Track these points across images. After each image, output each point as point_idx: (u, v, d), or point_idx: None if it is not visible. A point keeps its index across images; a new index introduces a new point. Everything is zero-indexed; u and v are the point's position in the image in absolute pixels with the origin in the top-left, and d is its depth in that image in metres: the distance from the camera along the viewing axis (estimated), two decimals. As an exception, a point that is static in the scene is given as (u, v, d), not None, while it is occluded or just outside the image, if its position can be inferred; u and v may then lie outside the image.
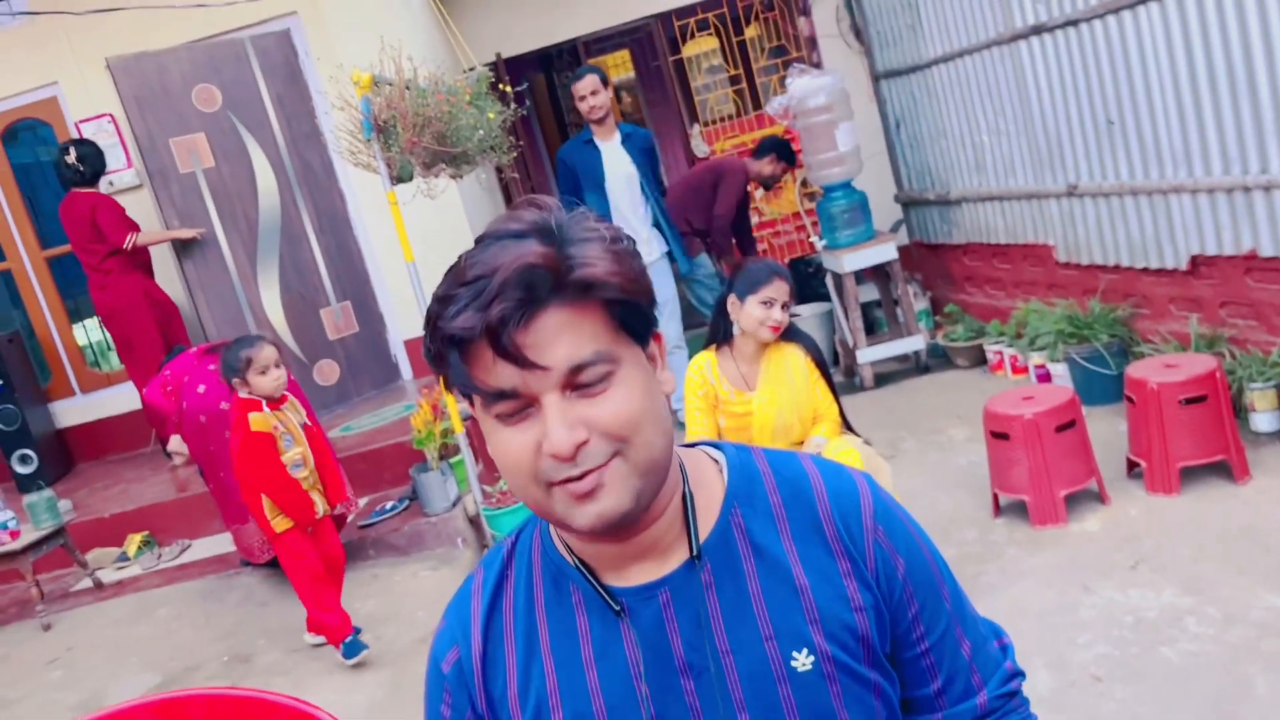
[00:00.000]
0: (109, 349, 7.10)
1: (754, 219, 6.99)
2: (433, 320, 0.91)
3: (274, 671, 3.91)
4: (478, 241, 0.93)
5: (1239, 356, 3.94)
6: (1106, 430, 4.15)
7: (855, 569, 0.99)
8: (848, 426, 3.45)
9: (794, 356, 3.35)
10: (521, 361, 0.87)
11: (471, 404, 0.97)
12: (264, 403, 3.69)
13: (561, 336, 0.88)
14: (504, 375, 0.89)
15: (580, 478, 0.90)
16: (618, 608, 0.98)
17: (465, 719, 1.03)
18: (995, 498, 3.81)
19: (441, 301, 0.90)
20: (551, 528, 1.04)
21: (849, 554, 0.99)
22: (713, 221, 6.01)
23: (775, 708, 0.96)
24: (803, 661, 0.96)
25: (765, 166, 6.08)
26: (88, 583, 5.13)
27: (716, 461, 1.06)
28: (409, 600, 4.29)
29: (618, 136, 5.50)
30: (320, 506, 3.82)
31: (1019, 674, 1.09)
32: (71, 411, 6.81)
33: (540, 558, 1.04)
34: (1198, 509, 3.47)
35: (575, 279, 0.89)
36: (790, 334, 3.36)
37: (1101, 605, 3.05)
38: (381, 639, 3.95)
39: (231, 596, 4.78)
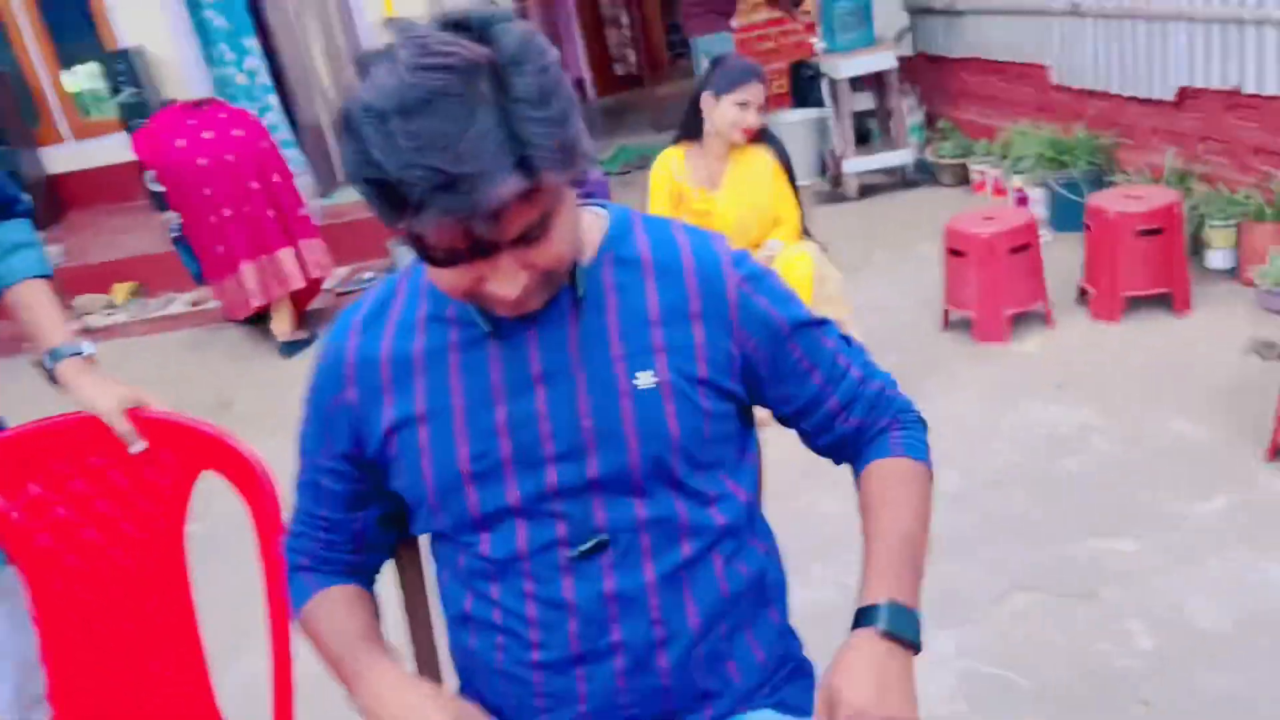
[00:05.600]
0: (99, 97, 7.06)
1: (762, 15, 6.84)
2: (380, 182, 0.88)
3: (252, 417, 4.15)
4: (412, 70, 0.87)
5: (1205, 193, 3.98)
6: (1070, 257, 4.20)
7: (708, 311, 1.12)
8: (807, 233, 3.53)
9: (761, 159, 3.39)
10: (485, 242, 0.93)
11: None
12: None
13: (519, 213, 0.93)
14: (460, 247, 0.93)
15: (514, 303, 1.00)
16: (488, 329, 1.10)
17: (327, 402, 1.17)
18: (946, 313, 3.93)
19: (384, 165, 0.87)
20: None
21: (705, 299, 1.12)
22: None
23: (615, 416, 1.09)
24: (646, 380, 1.10)
25: None
26: (74, 326, 5.33)
27: (599, 216, 1.17)
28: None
29: None
30: None
31: (865, 349, 1.26)
32: (62, 158, 6.85)
33: (428, 284, 1.14)
34: (1134, 337, 3.61)
35: (544, 184, 0.91)
36: (760, 136, 3.39)
37: (1021, 420, 3.23)
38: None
39: (214, 349, 5.00)
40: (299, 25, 6.03)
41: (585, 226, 1.14)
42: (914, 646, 1.06)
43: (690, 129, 3.41)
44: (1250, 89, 3.78)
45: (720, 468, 1.16)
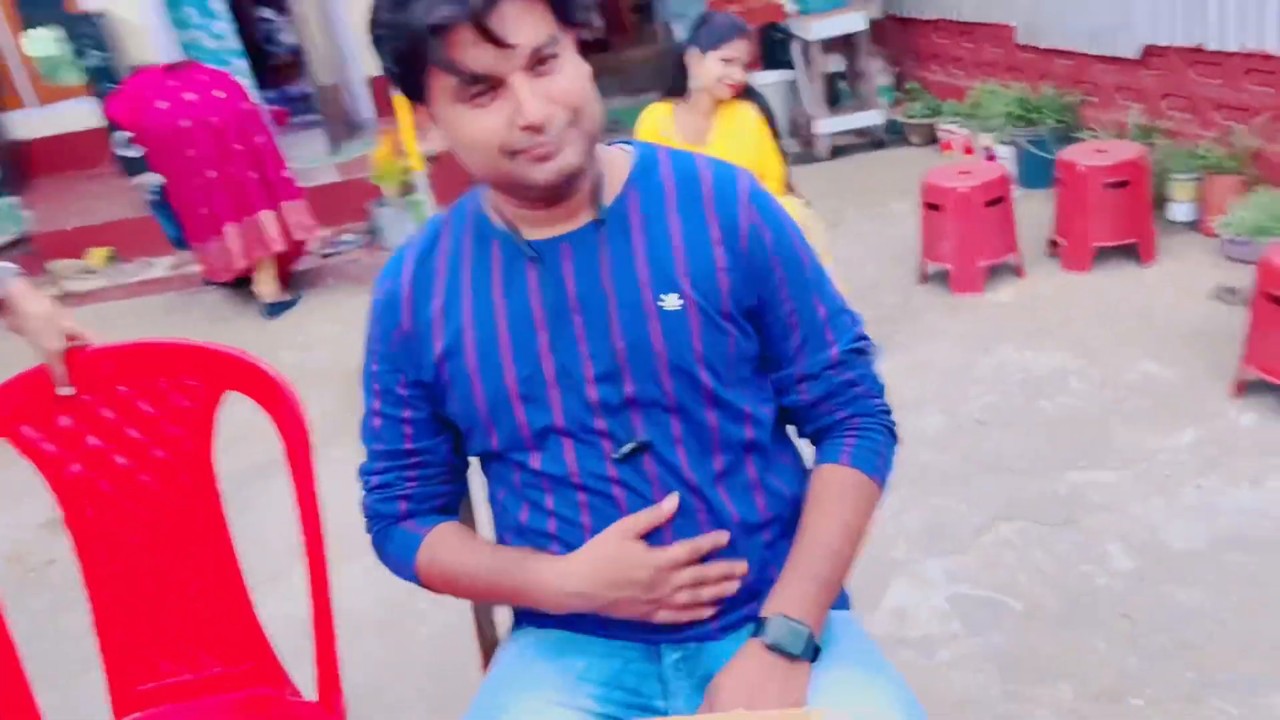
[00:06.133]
0: (64, 61, 6.95)
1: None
2: (396, 23, 1.06)
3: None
4: None
5: (1168, 148, 4.13)
6: (1039, 211, 4.34)
7: (726, 239, 1.20)
8: (791, 188, 3.62)
9: (747, 114, 3.46)
10: (499, 42, 1.04)
11: (420, 105, 1.13)
12: None
13: (522, 21, 1.06)
14: (482, 58, 1.05)
15: (546, 144, 1.09)
16: (531, 254, 1.20)
17: (391, 335, 1.26)
18: (923, 266, 4.06)
19: (401, 4, 1.05)
20: (484, 199, 1.24)
21: (723, 226, 1.20)
22: None
23: (644, 336, 1.18)
24: (671, 303, 1.18)
25: None
26: (53, 291, 5.30)
27: (626, 152, 1.26)
28: (364, 324, 4.53)
29: None
30: None
31: (866, 338, 1.31)
32: (27, 124, 6.75)
33: (472, 220, 1.25)
34: (1103, 286, 3.75)
35: None
36: (745, 92, 3.46)
37: (997, 364, 3.37)
38: (343, 357, 4.22)
39: (195, 311, 5.01)
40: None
41: (612, 161, 1.23)
42: (797, 658, 1.14)
43: (676, 85, 3.47)
44: (1213, 46, 3.92)
45: (747, 385, 1.25)
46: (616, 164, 1.24)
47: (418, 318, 1.24)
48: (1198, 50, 4.03)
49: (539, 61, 1.08)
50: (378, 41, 1.10)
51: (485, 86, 1.07)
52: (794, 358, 1.26)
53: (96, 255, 5.53)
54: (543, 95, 1.08)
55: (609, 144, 1.27)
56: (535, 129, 1.08)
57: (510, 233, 1.21)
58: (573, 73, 1.11)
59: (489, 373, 1.21)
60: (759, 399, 1.26)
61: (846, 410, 1.28)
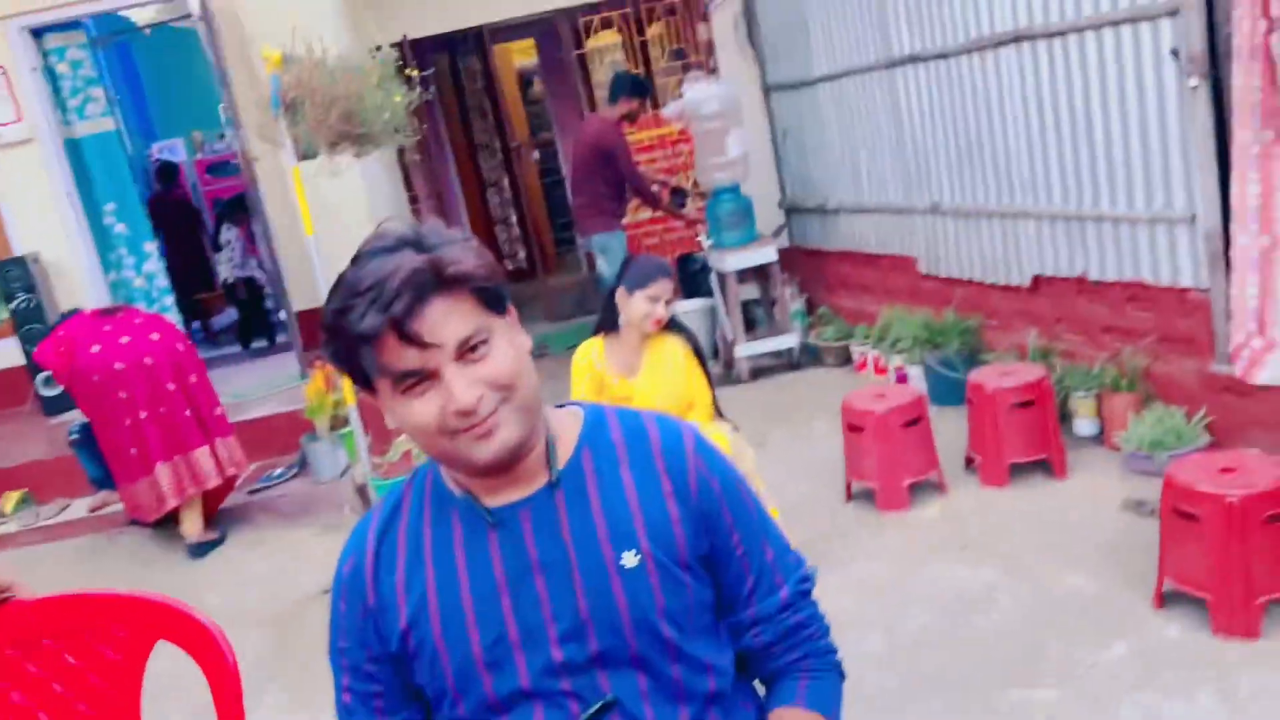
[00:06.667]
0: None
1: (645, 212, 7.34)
2: (337, 328, 1.16)
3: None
4: (355, 260, 1.18)
5: (1067, 368, 4.42)
6: (952, 428, 4.54)
7: (677, 490, 1.27)
8: (719, 413, 3.76)
9: (674, 347, 3.64)
10: (422, 344, 1.14)
11: (371, 393, 1.22)
12: None
13: (447, 320, 1.15)
14: (409, 358, 1.15)
15: (481, 423, 1.17)
16: (491, 520, 1.25)
17: (357, 611, 1.29)
18: (849, 485, 4.19)
19: (341, 312, 1.15)
20: (442, 468, 1.30)
21: (673, 479, 1.28)
22: (635, 181, 6.28)
23: (607, 593, 1.23)
24: (630, 559, 1.23)
25: (623, 108, 6.25)
26: (-37, 538, 5.10)
27: (575, 414, 1.34)
28: (295, 562, 4.46)
29: None
30: None
31: (810, 576, 1.38)
32: (-58, 367, 6.65)
33: (431, 490, 1.31)
34: (1022, 500, 3.91)
35: (450, 275, 1.16)
36: (671, 325, 3.66)
37: (930, 580, 3.44)
38: (274, 598, 4.11)
39: (115, 554, 4.85)
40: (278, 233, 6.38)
41: (562, 424, 1.32)
42: None
43: (607, 322, 3.65)
44: (1094, 276, 4.29)
45: (707, 635, 1.30)
46: (566, 426, 1.31)
47: (381, 591, 1.28)
48: (1081, 280, 4.39)
49: (470, 349, 1.16)
50: (324, 344, 1.20)
51: (419, 379, 1.16)
52: (747, 601, 1.32)
53: (10, 499, 5.37)
54: (472, 379, 1.16)
55: (559, 405, 1.36)
56: (466, 414, 1.16)
57: (469, 500, 1.27)
58: (503, 354, 1.19)
59: (454, 642, 1.24)
60: (718, 647, 1.31)
61: (798, 652, 1.34)
